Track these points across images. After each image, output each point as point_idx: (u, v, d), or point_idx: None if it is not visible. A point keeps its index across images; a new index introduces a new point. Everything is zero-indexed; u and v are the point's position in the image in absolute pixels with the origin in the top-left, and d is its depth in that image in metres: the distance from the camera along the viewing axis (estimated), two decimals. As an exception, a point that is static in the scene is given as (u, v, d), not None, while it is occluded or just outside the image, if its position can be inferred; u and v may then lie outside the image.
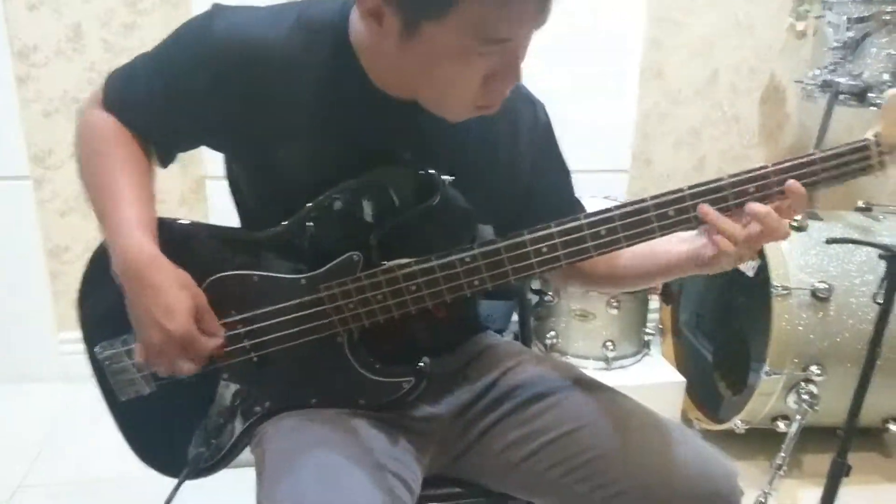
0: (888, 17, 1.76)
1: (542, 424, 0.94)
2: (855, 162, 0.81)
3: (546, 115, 0.97)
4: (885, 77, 1.74)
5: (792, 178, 0.79)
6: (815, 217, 1.80)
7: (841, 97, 1.76)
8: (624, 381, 1.95)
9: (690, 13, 2.23)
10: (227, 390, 0.94)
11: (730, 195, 0.79)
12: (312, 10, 0.85)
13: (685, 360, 2.12)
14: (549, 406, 0.95)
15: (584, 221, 0.81)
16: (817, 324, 1.66)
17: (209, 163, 2.05)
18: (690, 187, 0.80)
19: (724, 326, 1.95)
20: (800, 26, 2.20)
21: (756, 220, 0.78)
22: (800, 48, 2.26)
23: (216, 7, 0.85)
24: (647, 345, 2.12)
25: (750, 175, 0.79)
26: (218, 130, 0.88)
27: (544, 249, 0.83)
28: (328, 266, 0.87)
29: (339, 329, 0.89)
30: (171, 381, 0.92)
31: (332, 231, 0.86)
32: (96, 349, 0.95)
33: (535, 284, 2.06)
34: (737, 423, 1.79)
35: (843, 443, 1.34)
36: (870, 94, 1.73)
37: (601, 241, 0.82)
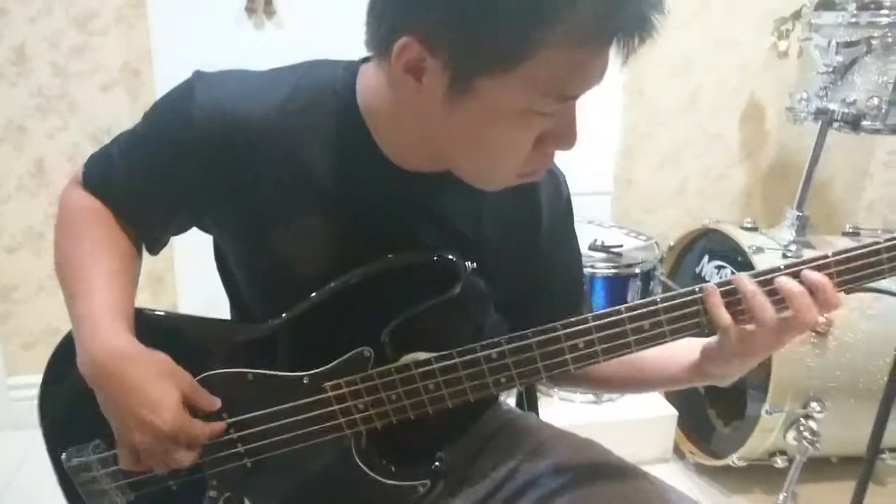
0: (876, 43, 1.73)
1: None
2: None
3: (567, 189, 0.88)
4: (876, 102, 1.71)
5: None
6: (808, 245, 1.76)
7: (834, 124, 1.72)
8: (614, 416, 1.90)
9: (670, 30, 2.17)
10: (215, 499, 0.83)
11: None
12: (311, 76, 0.76)
13: (676, 391, 2.07)
14: (574, 501, 0.86)
15: (625, 315, 0.73)
16: (816, 359, 1.62)
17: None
18: (700, 288, 0.72)
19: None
20: (782, 46, 2.17)
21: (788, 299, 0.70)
22: (781, 67, 2.22)
23: (197, 76, 0.75)
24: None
25: (769, 276, 0.71)
26: (206, 214, 0.78)
27: (581, 345, 0.74)
28: (335, 363, 0.77)
29: (347, 431, 0.79)
30: (150, 492, 0.82)
31: (339, 323, 0.77)
32: (63, 456, 0.83)
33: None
34: (734, 461, 1.75)
35: (858, 488, 1.30)
36: (863, 122, 1.69)
37: (644, 335, 0.73)
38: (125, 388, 0.71)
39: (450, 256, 0.75)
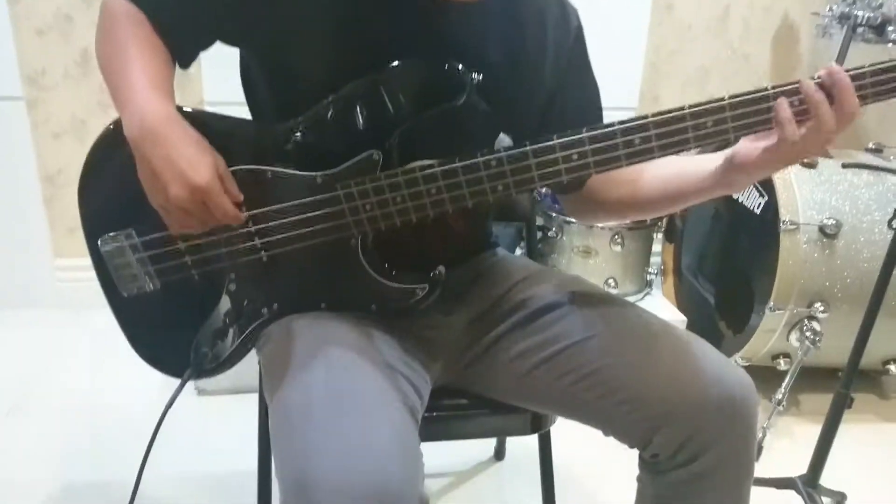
0: (911, -50, 1.71)
1: (551, 335, 0.92)
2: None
3: (578, 19, 0.92)
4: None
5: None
6: (825, 155, 1.77)
7: (859, 31, 1.72)
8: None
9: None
10: (234, 290, 0.91)
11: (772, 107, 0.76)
12: None
13: (686, 301, 2.12)
14: (559, 317, 0.93)
15: (617, 128, 0.78)
16: (824, 261, 1.65)
17: (209, 91, 2.00)
18: (731, 97, 0.76)
19: (726, 267, 1.95)
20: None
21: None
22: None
23: None
24: (649, 284, 2.12)
25: (793, 87, 0.75)
26: (234, 20, 0.84)
27: (574, 156, 0.79)
28: (346, 164, 0.84)
29: (354, 231, 0.86)
30: (175, 279, 0.90)
31: (351, 127, 0.83)
32: (99, 242, 0.91)
33: (539, 221, 2.04)
34: (737, 360, 1.80)
35: (846, 376, 1.34)
36: (889, 28, 1.68)
37: (633, 149, 0.78)
38: (169, 143, 0.78)
39: (457, 65, 0.81)
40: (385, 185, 0.83)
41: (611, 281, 1.99)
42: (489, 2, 0.85)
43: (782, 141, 0.75)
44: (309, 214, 0.85)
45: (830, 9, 1.81)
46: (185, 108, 0.86)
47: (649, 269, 2.10)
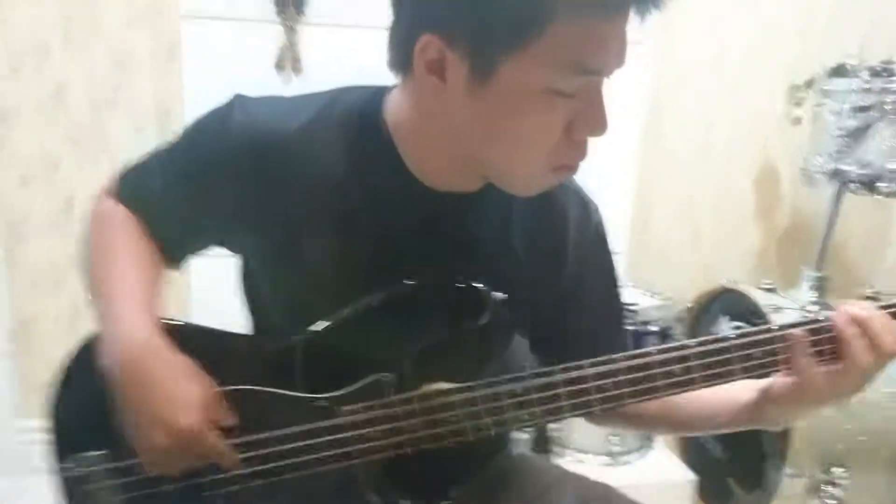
0: (889, 108, 1.76)
1: None
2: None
3: (599, 215, 0.88)
4: (892, 166, 1.72)
5: None
6: (828, 308, 1.75)
7: (850, 185, 1.73)
8: (630, 479, 1.83)
9: (687, 76, 2.21)
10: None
11: (824, 338, 0.71)
12: (343, 97, 0.78)
13: (692, 453, 2.01)
14: None
15: (655, 358, 0.72)
16: (840, 420, 1.58)
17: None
18: (780, 327, 0.71)
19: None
20: (796, 113, 2.20)
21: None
22: (795, 134, 2.25)
23: (237, 98, 0.78)
24: (649, 437, 2.02)
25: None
26: (235, 228, 0.79)
27: (608, 385, 0.72)
28: (353, 387, 0.76)
29: (358, 460, 0.76)
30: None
31: (359, 346, 0.76)
32: (66, 465, 0.81)
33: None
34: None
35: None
36: (879, 184, 1.70)
37: (674, 379, 0.72)
38: (148, 381, 0.71)
39: (478, 286, 0.74)
40: (398, 412, 0.75)
41: (612, 438, 1.89)
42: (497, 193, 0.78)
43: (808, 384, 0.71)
44: (309, 442, 0.76)
45: (817, 162, 1.83)
46: (173, 322, 0.78)
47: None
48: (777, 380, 0.74)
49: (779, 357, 0.71)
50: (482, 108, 0.65)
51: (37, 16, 1.81)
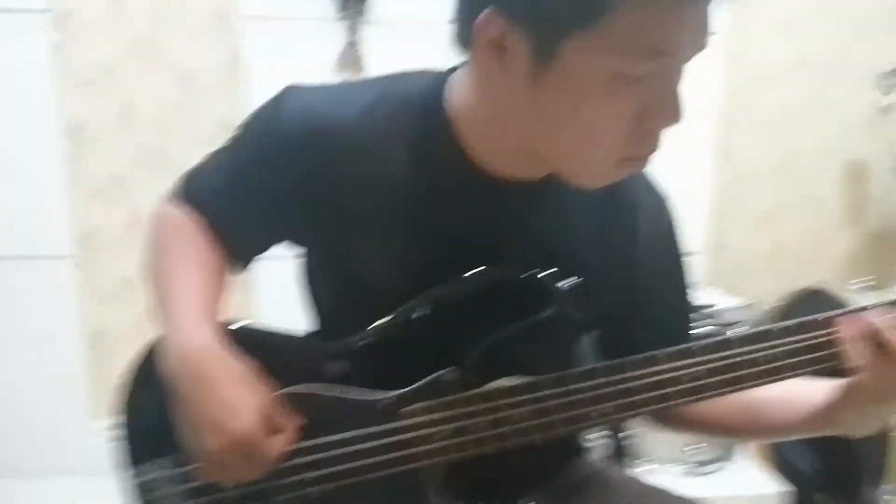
0: None
1: None
2: None
3: (672, 210, 0.82)
4: None
5: None
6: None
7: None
8: (712, 491, 1.74)
9: (763, 87, 2.11)
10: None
11: None
12: (400, 84, 0.75)
13: (779, 464, 1.89)
14: None
15: (735, 346, 0.66)
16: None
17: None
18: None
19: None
20: (885, 101, 2.06)
21: None
22: (885, 124, 2.11)
23: (287, 89, 0.76)
24: (728, 447, 1.91)
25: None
26: (296, 222, 0.77)
27: (684, 377, 0.67)
28: (415, 385, 0.72)
29: (423, 462, 0.73)
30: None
31: (420, 344, 0.72)
32: (135, 472, 0.82)
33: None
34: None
35: None
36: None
37: (760, 368, 0.66)
38: (207, 386, 0.70)
39: (543, 275, 0.70)
40: (462, 412, 0.71)
41: (688, 448, 1.80)
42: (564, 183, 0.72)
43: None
44: (371, 444, 0.73)
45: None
46: (232, 326, 0.77)
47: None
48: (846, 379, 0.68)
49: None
50: (545, 93, 0.61)
51: (103, 35, 1.86)
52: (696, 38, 0.59)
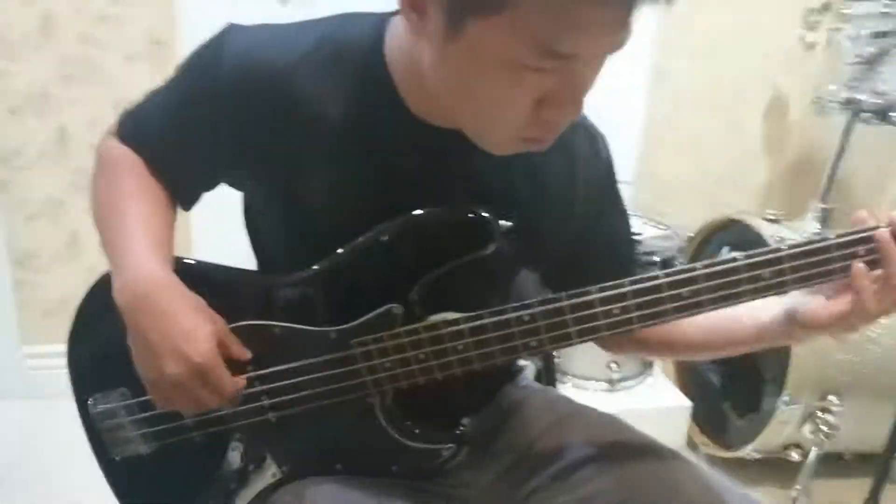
0: (910, 33, 1.71)
1: (590, 491, 0.84)
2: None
3: (607, 149, 0.86)
4: (907, 94, 1.68)
5: None
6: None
7: (862, 115, 1.70)
8: (627, 405, 1.88)
9: (696, 11, 2.14)
10: (238, 452, 0.83)
11: (836, 257, 0.70)
12: (341, 29, 0.75)
13: (688, 381, 2.05)
14: (596, 472, 0.84)
15: (663, 281, 0.72)
16: (837, 350, 1.60)
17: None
18: (790, 246, 0.71)
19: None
20: (810, 37, 2.14)
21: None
22: (808, 59, 2.19)
23: (228, 27, 0.75)
24: (650, 364, 2.05)
25: (861, 236, 0.70)
26: (235, 164, 0.78)
27: (615, 311, 0.72)
28: (363, 319, 0.76)
29: (372, 390, 0.78)
30: (173, 441, 0.82)
31: (367, 279, 0.76)
32: (89, 402, 0.83)
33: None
34: (749, 453, 1.73)
35: (875, 484, 1.28)
36: (891, 114, 1.67)
37: (682, 302, 0.72)
38: (162, 314, 0.71)
39: (483, 214, 0.74)
40: (406, 342, 0.76)
41: (612, 365, 1.92)
42: None
43: (860, 310, 0.70)
44: (322, 374, 0.77)
45: (831, 90, 1.79)
46: (185, 260, 0.78)
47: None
48: (806, 306, 0.74)
49: (787, 277, 0.70)
50: (451, 61, 0.62)
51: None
52: (604, 41, 0.59)
